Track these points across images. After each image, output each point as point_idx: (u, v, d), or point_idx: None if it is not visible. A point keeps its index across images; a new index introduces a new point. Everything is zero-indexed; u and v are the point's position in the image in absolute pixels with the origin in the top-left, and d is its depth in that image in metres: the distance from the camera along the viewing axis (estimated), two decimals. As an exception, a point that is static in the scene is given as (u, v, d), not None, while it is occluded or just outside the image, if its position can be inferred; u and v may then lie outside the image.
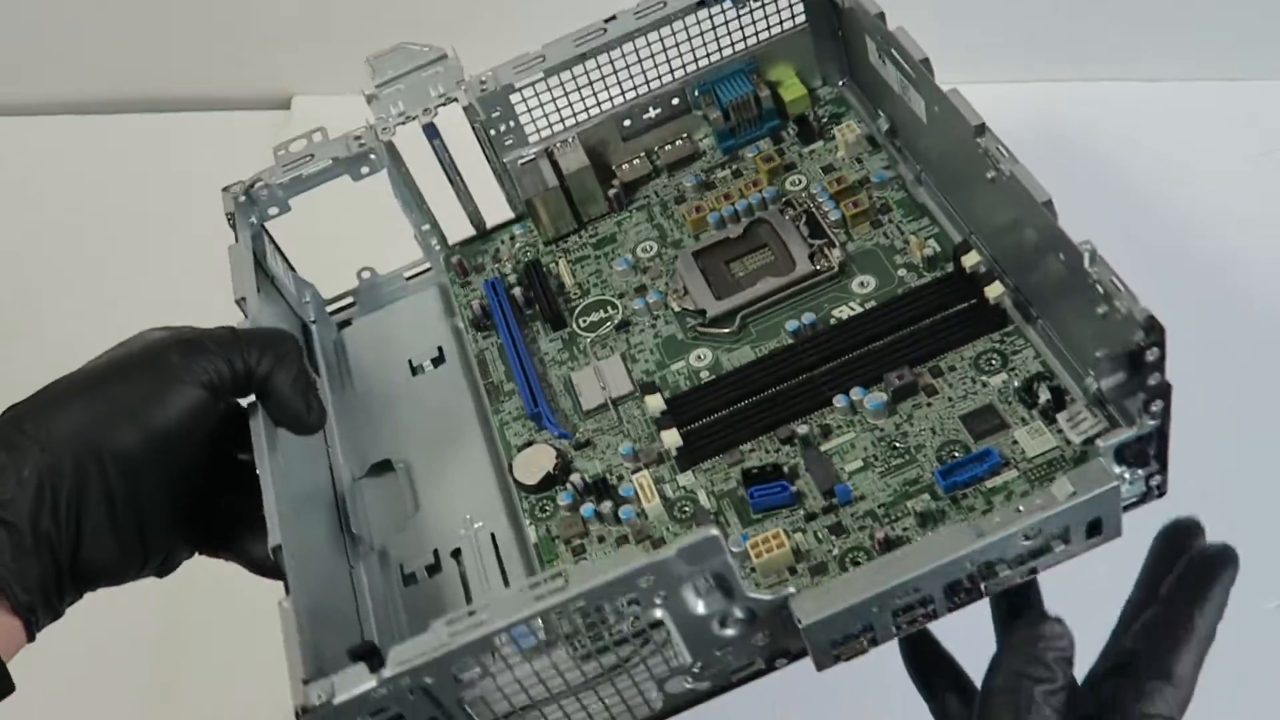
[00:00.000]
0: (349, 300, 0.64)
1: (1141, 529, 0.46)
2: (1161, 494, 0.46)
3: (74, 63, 0.91)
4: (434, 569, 0.52)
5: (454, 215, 0.64)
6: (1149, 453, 0.44)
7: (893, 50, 0.54)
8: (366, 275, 0.63)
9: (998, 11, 0.81)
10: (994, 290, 0.51)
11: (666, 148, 0.63)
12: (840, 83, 0.63)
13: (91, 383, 0.47)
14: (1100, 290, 0.42)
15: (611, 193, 0.62)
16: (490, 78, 0.59)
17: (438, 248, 0.63)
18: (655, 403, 0.52)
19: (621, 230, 0.62)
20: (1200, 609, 0.44)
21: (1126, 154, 0.81)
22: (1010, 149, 0.47)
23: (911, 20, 0.75)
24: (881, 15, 0.54)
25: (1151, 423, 0.43)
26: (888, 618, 0.43)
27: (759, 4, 0.60)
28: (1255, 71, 0.83)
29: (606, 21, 0.59)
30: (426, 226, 0.63)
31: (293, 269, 0.62)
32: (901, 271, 0.55)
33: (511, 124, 0.61)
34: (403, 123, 0.59)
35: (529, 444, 0.54)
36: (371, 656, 0.40)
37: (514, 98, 0.60)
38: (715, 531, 0.39)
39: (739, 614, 0.43)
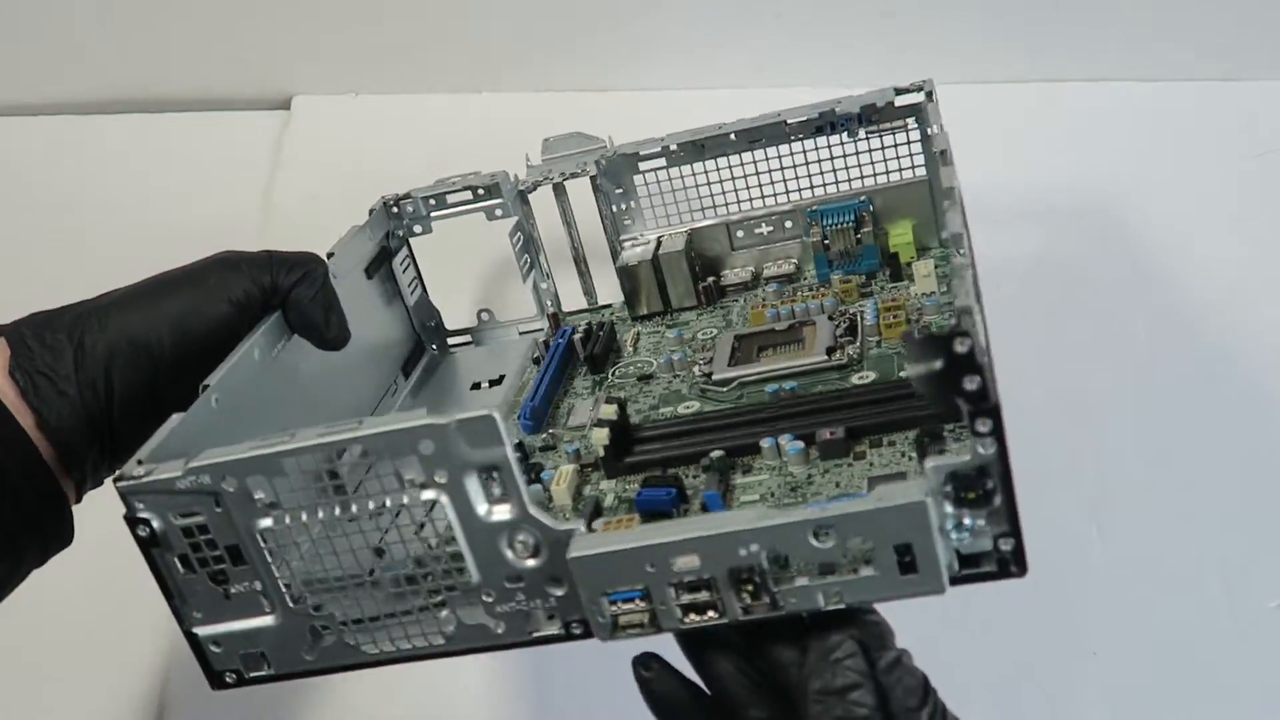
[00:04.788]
0: (466, 338, 0.71)
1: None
2: (1018, 569, 0.40)
3: (73, 63, 0.91)
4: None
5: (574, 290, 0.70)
6: (989, 493, 0.39)
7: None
8: (486, 316, 0.70)
9: (998, 11, 0.81)
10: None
11: (770, 265, 0.66)
12: (960, 252, 0.63)
13: (145, 292, 0.55)
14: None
15: (703, 286, 0.65)
16: (610, 145, 0.65)
17: (550, 306, 0.69)
18: (609, 410, 0.53)
19: (699, 320, 0.64)
20: None
21: (1126, 154, 0.80)
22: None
23: (914, 20, 0.78)
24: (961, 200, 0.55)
25: (982, 449, 0.39)
26: (669, 592, 0.41)
27: (879, 146, 0.63)
28: (1255, 71, 0.82)
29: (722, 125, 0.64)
30: (544, 285, 0.69)
31: (425, 289, 0.70)
32: (904, 373, 0.53)
33: (632, 204, 0.67)
34: (540, 180, 0.67)
35: (506, 436, 0.57)
36: None
37: (636, 179, 0.66)
38: (495, 413, 0.41)
39: (526, 538, 0.43)
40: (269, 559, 0.45)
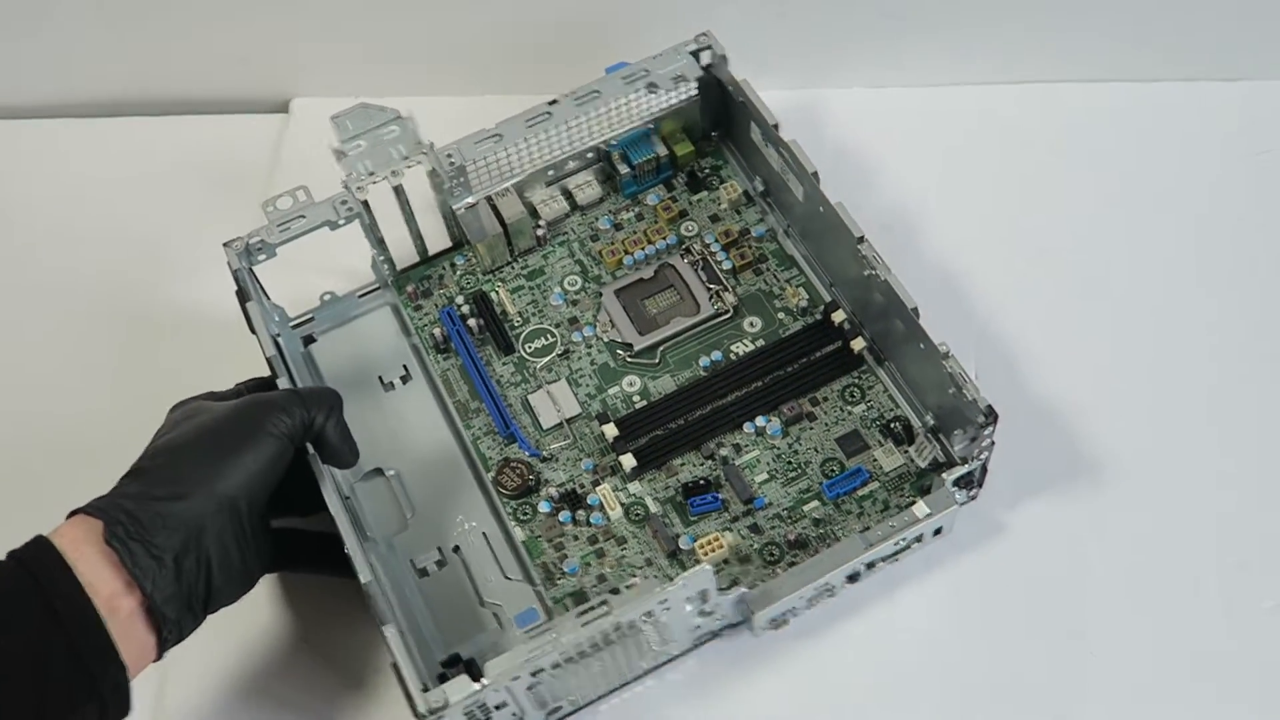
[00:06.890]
0: (309, 316, 0.74)
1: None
2: (974, 498, 0.67)
3: (73, 66, 0.88)
4: (440, 563, 0.67)
5: (401, 240, 0.75)
6: (975, 479, 0.64)
7: (782, 152, 0.69)
8: (328, 298, 0.74)
9: (997, 12, 0.81)
10: (858, 344, 0.69)
11: (581, 190, 0.77)
12: (714, 134, 0.78)
13: (203, 441, 0.57)
14: (953, 380, 0.61)
15: (539, 232, 0.75)
16: (456, 153, 0.70)
17: (388, 272, 0.75)
18: (610, 430, 0.68)
19: (548, 264, 0.75)
20: None
21: (1126, 154, 0.81)
22: (884, 258, 0.64)
23: (914, 20, 0.82)
24: (777, 125, 0.69)
25: (980, 459, 0.63)
26: (806, 601, 0.63)
27: (669, 90, 0.74)
28: (1255, 71, 0.83)
29: (550, 104, 0.71)
30: (382, 257, 0.74)
31: (267, 295, 0.72)
32: (780, 315, 0.72)
33: (460, 180, 0.72)
34: (374, 182, 0.69)
35: (504, 459, 0.69)
36: (471, 667, 0.55)
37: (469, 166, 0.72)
38: (709, 568, 0.57)
39: (712, 608, 0.61)
40: (527, 702, 0.59)
